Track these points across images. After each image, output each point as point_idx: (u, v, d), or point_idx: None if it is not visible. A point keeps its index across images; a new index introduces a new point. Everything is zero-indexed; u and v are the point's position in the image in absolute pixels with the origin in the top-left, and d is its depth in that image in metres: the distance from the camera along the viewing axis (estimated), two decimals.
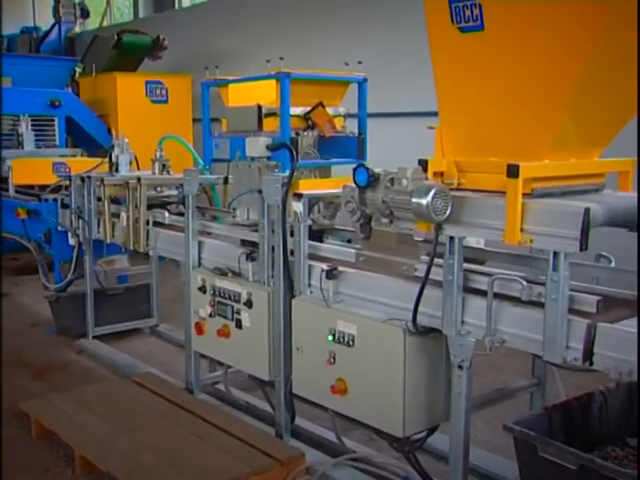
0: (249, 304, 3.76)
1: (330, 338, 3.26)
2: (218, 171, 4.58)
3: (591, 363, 2.50)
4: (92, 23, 12.03)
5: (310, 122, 4.21)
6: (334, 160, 4.32)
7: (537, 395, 3.45)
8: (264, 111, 4.08)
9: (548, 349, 2.55)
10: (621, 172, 3.02)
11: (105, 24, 11.90)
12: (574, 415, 2.94)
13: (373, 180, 2.91)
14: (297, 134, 4.14)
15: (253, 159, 4.02)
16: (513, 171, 2.55)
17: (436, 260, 2.84)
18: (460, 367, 2.84)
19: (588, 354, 2.50)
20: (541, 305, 2.58)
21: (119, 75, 8.35)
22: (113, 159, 5.32)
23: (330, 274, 3.31)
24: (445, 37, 2.75)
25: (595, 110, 2.69)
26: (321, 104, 4.22)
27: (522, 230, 2.56)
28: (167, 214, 4.62)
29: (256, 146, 3.96)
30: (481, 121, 2.78)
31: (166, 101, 8.66)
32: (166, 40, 8.62)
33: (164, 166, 5.12)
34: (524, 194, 2.58)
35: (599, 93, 2.63)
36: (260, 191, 3.65)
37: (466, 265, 2.87)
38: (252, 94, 4.30)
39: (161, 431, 3.68)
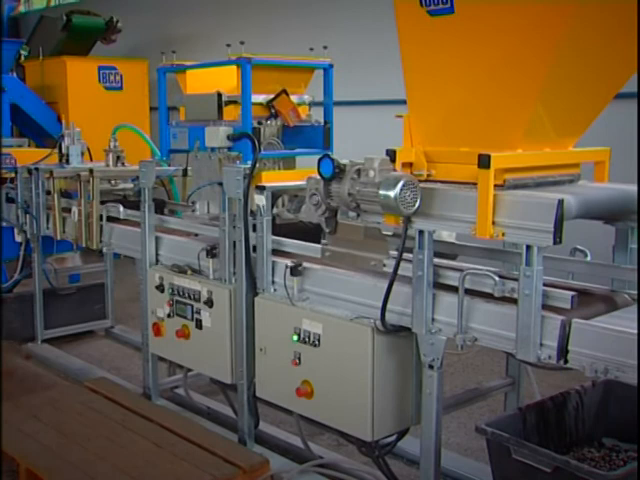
0: (210, 303, 3.74)
1: (295, 338, 3.25)
2: (176, 162, 4.53)
3: (566, 361, 2.53)
4: (38, 2, 11.80)
5: (273, 110, 4.19)
6: (299, 150, 4.30)
7: (511, 395, 3.49)
8: (224, 99, 4.04)
9: (521, 347, 2.58)
10: (597, 162, 3.07)
11: (53, 3, 11.67)
12: (549, 415, 2.98)
13: (339, 171, 2.91)
14: (259, 123, 4.12)
15: (213, 150, 4.00)
16: (484, 161, 2.57)
17: (405, 255, 2.85)
18: (431, 367, 2.86)
19: (563, 352, 2.52)
20: (514, 301, 2.60)
21: (69, 59, 8.20)
22: (63, 150, 5.24)
23: (294, 270, 3.31)
24: (413, 20, 2.76)
25: (569, 98, 2.72)
26: (285, 91, 4.19)
27: (494, 223, 2.58)
28: (122, 208, 4.57)
29: (216, 136, 3.93)
30: (451, 109, 2.79)
31: (120, 88, 8.53)
32: (120, 22, 8.49)
33: (118, 157, 5.06)
34: (496, 185, 2.61)
35: (573, 80, 2.66)
36: (221, 184, 3.64)
37: (436, 260, 2.89)
38: (211, 81, 4.26)
39: (116, 440, 3.63)
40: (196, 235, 4.14)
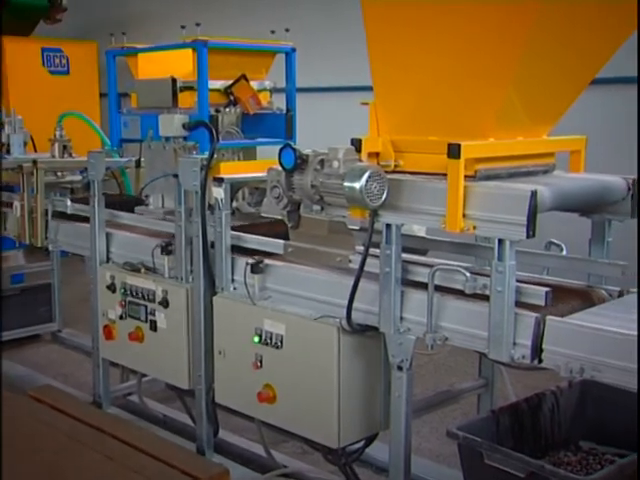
0: (165, 303, 3.73)
1: (256, 339, 3.27)
2: (128, 153, 4.51)
3: (540, 361, 2.58)
4: None
5: (232, 97, 4.19)
6: (259, 140, 4.32)
7: (485, 397, 3.54)
8: (179, 85, 4.03)
9: (494, 346, 2.62)
10: (572, 151, 3.12)
11: None
12: (523, 418, 3.04)
13: (301, 162, 2.92)
14: (217, 111, 4.12)
15: (167, 139, 3.98)
16: (454, 151, 2.60)
17: (372, 251, 2.88)
18: (399, 368, 2.89)
19: (537, 351, 2.57)
20: (486, 298, 2.64)
21: (8, 40, 8.06)
22: (3, 139, 5.18)
23: (255, 268, 3.32)
24: (380, 3, 2.78)
25: (543, 83, 2.76)
26: (244, 77, 4.20)
27: (464, 216, 2.61)
28: (69, 202, 4.53)
29: (171, 125, 3.92)
30: (419, 96, 2.82)
31: (67, 72, 8.44)
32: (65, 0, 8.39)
33: (65, 147, 5.01)
34: (466, 176, 2.64)
35: (547, 65, 2.70)
36: (176, 175, 3.62)
37: (405, 255, 2.92)
38: (165, 65, 4.25)
39: (63, 453, 3.60)
40: (150, 231, 4.12)
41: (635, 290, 2.92)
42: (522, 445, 2.95)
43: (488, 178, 2.75)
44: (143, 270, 3.87)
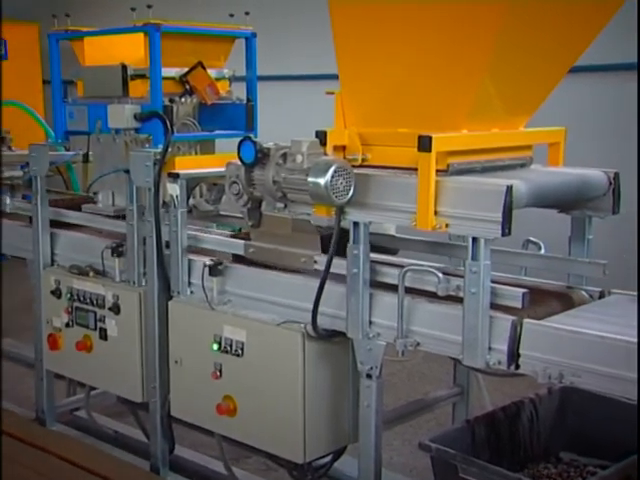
0: (116, 309, 3.74)
1: (215, 347, 3.29)
2: (75, 146, 4.49)
3: (517, 366, 2.63)
4: None
5: (187, 86, 4.19)
6: (218, 133, 4.32)
7: (460, 406, 3.61)
8: (130, 72, 4.02)
9: (468, 351, 2.67)
10: (551, 144, 3.19)
11: None
12: (500, 428, 3.10)
13: (262, 156, 2.95)
14: (171, 101, 4.11)
15: (118, 132, 3.98)
16: (425, 143, 2.64)
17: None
18: (369, 376, 2.94)
19: (513, 356, 2.63)
20: (460, 300, 2.69)
21: None
22: None
23: (214, 270, 3.35)
24: None
25: (518, 72, 2.82)
26: (200, 64, 4.20)
27: (436, 213, 2.66)
28: (9, 200, 4.50)
29: (121, 116, 3.92)
30: (388, 86, 2.86)
31: (5, 57, 8.36)
32: None
33: (4, 140, 4.98)
34: (438, 171, 2.69)
35: (522, 52, 2.75)
36: (127, 171, 3.64)
37: (374, 256, 2.97)
38: (114, 51, 4.24)
39: (3, 476, 3.59)
40: (99, 231, 4.12)
41: (618, 291, 3.01)
42: (499, 457, 3.01)
43: (461, 173, 2.81)
44: (91, 273, 3.87)
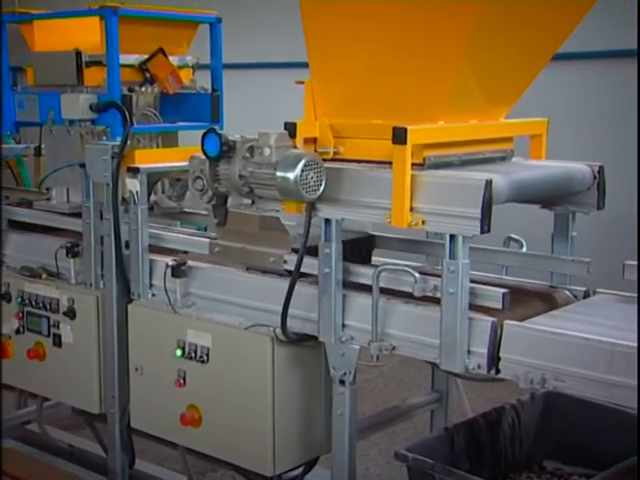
0: (71, 314, 3.74)
1: (179, 353, 3.31)
2: (26, 139, 4.49)
3: (497, 371, 2.68)
4: None
5: (148, 75, 4.19)
6: (180, 124, 4.34)
7: (438, 413, 3.67)
8: (85, 59, 4.01)
9: (446, 355, 2.72)
10: (533, 136, 3.25)
11: None
12: (481, 436, 3.15)
13: (227, 149, 2.97)
14: (131, 90, 4.11)
15: (72, 123, 3.98)
16: (400, 136, 2.68)
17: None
18: (342, 382, 2.97)
19: (493, 360, 2.67)
20: (438, 301, 2.73)
21: None
22: None
23: (177, 270, 3.37)
24: None
25: (498, 60, 2.87)
26: (162, 51, 4.21)
27: (412, 209, 2.70)
28: None
29: (75, 106, 3.92)
30: (361, 74, 2.90)
31: None
32: None
33: None
34: (414, 164, 2.73)
35: (502, 40, 2.81)
36: (83, 165, 3.64)
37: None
38: (68, 35, 4.23)
39: None
40: (53, 230, 4.12)
41: (603, 291, 3.07)
42: (479, 467, 3.07)
43: (438, 166, 2.85)
44: (44, 276, 3.87)
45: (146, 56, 4.22)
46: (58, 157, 4.05)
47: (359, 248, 3.28)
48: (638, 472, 2.72)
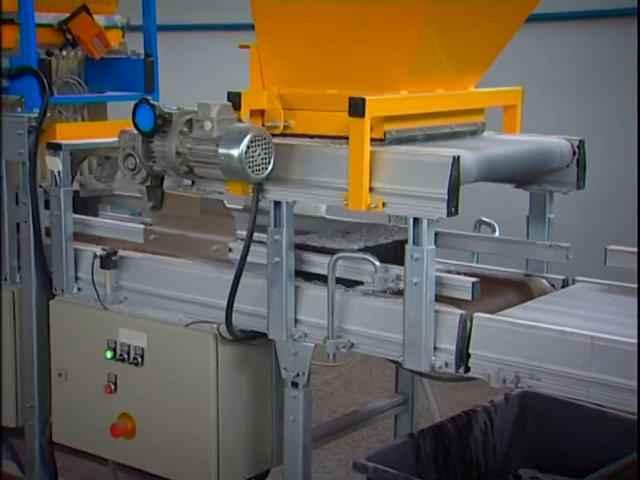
0: None
1: (109, 355, 3.35)
2: None
3: (467, 369, 2.76)
4: None
5: (69, 36, 4.16)
6: (109, 94, 4.32)
7: (403, 418, 3.74)
8: None
9: (410, 353, 2.78)
10: (506, 107, 3.32)
11: None
12: (450, 442, 3.23)
13: (162, 123, 2.99)
14: (50, 54, 4.07)
15: None
16: (357, 107, 2.72)
17: (258, 236, 2.99)
18: (294, 384, 3.03)
19: (462, 357, 2.75)
20: (400, 293, 2.79)
21: None
22: None
23: (106, 261, 3.38)
24: None
25: (467, 22, 2.93)
26: (85, 9, 4.17)
27: (371, 190, 2.76)
28: None
29: None
30: (314, 38, 2.94)
31: None
32: None
33: None
34: (373, 140, 2.79)
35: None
36: None
37: (300, 241, 3.07)
38: None
39: None
40: None
41: (583, 279, 3.17)
42: (448, 476, 3.15)
43: (400, 142, 2.92)
44: None
45: (67, 15, 4.19)
46: None
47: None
48: (638, 472, 2.81)
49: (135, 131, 3.06)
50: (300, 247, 3.05)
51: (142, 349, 3.28)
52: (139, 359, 3.28)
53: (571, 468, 3.20)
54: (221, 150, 2.84)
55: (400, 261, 2.78)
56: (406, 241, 2.74)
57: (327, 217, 3.52)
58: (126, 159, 3.14)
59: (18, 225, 3.65)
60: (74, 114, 4.24)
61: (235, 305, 3.04)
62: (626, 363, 2.44)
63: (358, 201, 2.75)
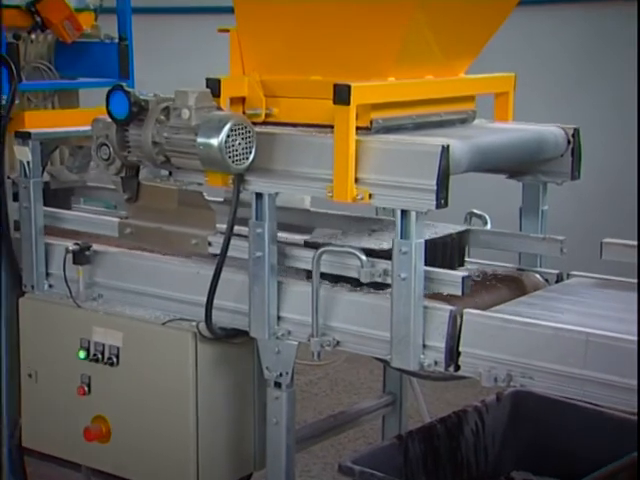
0: None
1: (82, 354, 3.35)
2: None
3: (457, 367, 2.77)
4: None
5: (38, 18, 4.16)
6: (82, 80, 4.32)
7: (391, 419, 3.76)
8: None
9: (398, 351, 2.79)
10: (498, 94, 3.35)
11: None
12: (439, 444, 3.25)
13: (138, 111, 2.99)
14: (17, 37, 4.07)
15: None
16: (342, 94, 2.73)
17: (239, 229, 3.00)
18: (277, 385, 3.05)
19: (452, 355, 2.76)
20: (388, 288, 2.80)
21: None
22: None
23: (79, 256, 3.38)
24: None
25: (458, 5, 2.95)
26: None
27: (357, 181, 2.77)
28: None
29: None
30: (297, 22, 2.95)
31: None
32: None
33: None
34: (359, 128, 2.80)
35: None
36: None
37: (283, 235, 3.09)
38: None
39: None
40: None
41: (578, 273, 3.20)
42: (437, 479, 3.16)
43: (388, 130, 2.93)
44: None
45: None
46: None
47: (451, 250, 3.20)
48: (638, 472, 2.83)
49: (109, 119, 3.06)
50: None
51: (117, 348, 3.29)
52: (114, 359, 3.29)
53: (566, 470, 3.23)
54: (200, 139, 2.84)
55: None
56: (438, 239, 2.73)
57: (311, 209, 3.52)
58: (100, 149, 3.13)
59: None
60: (44, 101, 4.24)
61: (215, 302, 3.05)
62: (622, 360, 2.46)
63: (343, 193, 2.77)
